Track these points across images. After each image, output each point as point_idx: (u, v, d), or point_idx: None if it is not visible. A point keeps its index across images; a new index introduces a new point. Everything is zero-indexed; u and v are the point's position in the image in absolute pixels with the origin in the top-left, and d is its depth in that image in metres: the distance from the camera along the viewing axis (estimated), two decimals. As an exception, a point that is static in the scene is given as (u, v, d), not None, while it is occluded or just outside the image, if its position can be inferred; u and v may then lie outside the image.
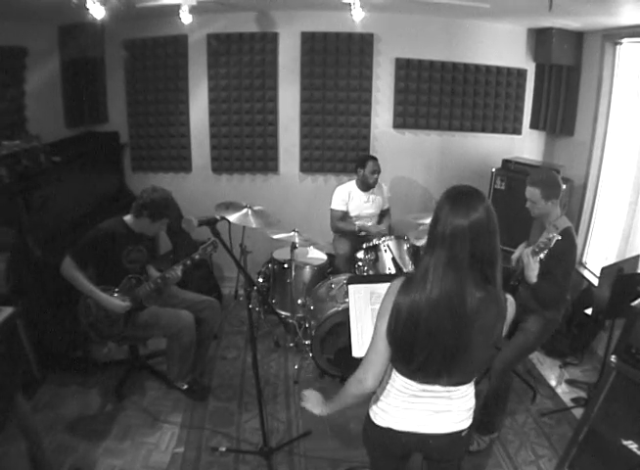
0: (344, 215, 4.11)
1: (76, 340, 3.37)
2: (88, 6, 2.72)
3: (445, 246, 1.42)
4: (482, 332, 1.47)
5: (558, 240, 2.48)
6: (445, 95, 4.45)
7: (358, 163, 4.08)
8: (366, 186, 4.08)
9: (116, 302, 2.85)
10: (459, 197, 1.45)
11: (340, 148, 4.57)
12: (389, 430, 1.64)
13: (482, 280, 1.44)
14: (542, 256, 2.44)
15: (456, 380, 1.56)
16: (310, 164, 4.63)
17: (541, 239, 2.45)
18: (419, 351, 1.46)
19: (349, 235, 4.11)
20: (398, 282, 1.51)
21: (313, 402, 1.78)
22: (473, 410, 1.68)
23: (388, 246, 3.63)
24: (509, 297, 1.56)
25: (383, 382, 1.64)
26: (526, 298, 2.67)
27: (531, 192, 2.62)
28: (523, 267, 2.58)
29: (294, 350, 3.72)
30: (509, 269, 2.82)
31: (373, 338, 1.56)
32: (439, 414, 1.61)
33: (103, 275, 2.92)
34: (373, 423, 1.68)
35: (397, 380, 1.60)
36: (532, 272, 2.48)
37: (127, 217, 2.95)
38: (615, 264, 3.03)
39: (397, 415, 1.62)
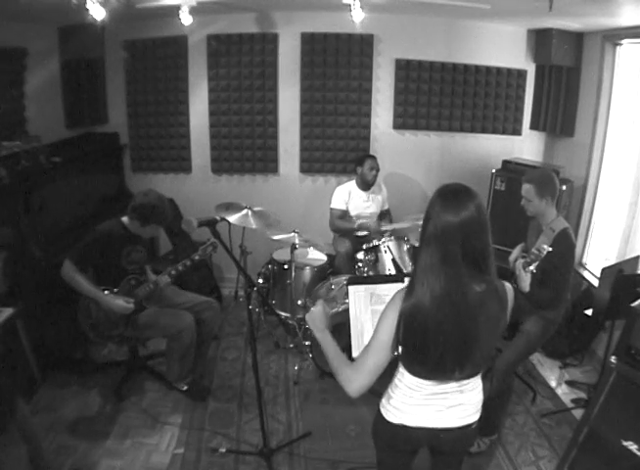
0: (344, 215, 4.12)
1: (76, 341, 3.37)
2: (88, 7, 2.71)
3: (439, 243, 1.44)
4: (489, 324, 1.50)
5: (555, 241, 2.48)
6: (445, 96, 4.44)
7: (356, 161, 4.10)
8: (366, 185, 4.08)
9: (120, 302, 2.84)
10: (450, 195, 1.47)
11: (340, 149, 4.57)
12: (402, 426, 1.65)
13: (478, 273, 1.47)
14: (532, 267, 2.41)
15: (467, 373, 1.58)
16: (310, 164, 4.62)
17: (533, 250, 2.41)
18: (433, 350, 1.47)
19: (349, 236, 4.11)
20: (402, 290, 1.53)
21: (318, 321, 1.69)
22: (481, 404, 1.70)
23: (388, 247, 3.62)
24: (506, 284, 1.58)
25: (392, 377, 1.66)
26: (525, 299, 2.66)
27: (526, 189, 2.62)
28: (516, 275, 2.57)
29: (293, 350, 3.72)
30: (507, 270, 2.82)
31: (372, 346, 1.54)
32: (451, 409, 1.63)
33: (102, 277, 2.92)
34: (385, 420, 1.68)
35: (406, 376, 1.60)
36: (524, 283, 2.46)
37: (125, 218, 2.95)
38: (615, 265, 3.03)
39: (411, 412, 1.63)
